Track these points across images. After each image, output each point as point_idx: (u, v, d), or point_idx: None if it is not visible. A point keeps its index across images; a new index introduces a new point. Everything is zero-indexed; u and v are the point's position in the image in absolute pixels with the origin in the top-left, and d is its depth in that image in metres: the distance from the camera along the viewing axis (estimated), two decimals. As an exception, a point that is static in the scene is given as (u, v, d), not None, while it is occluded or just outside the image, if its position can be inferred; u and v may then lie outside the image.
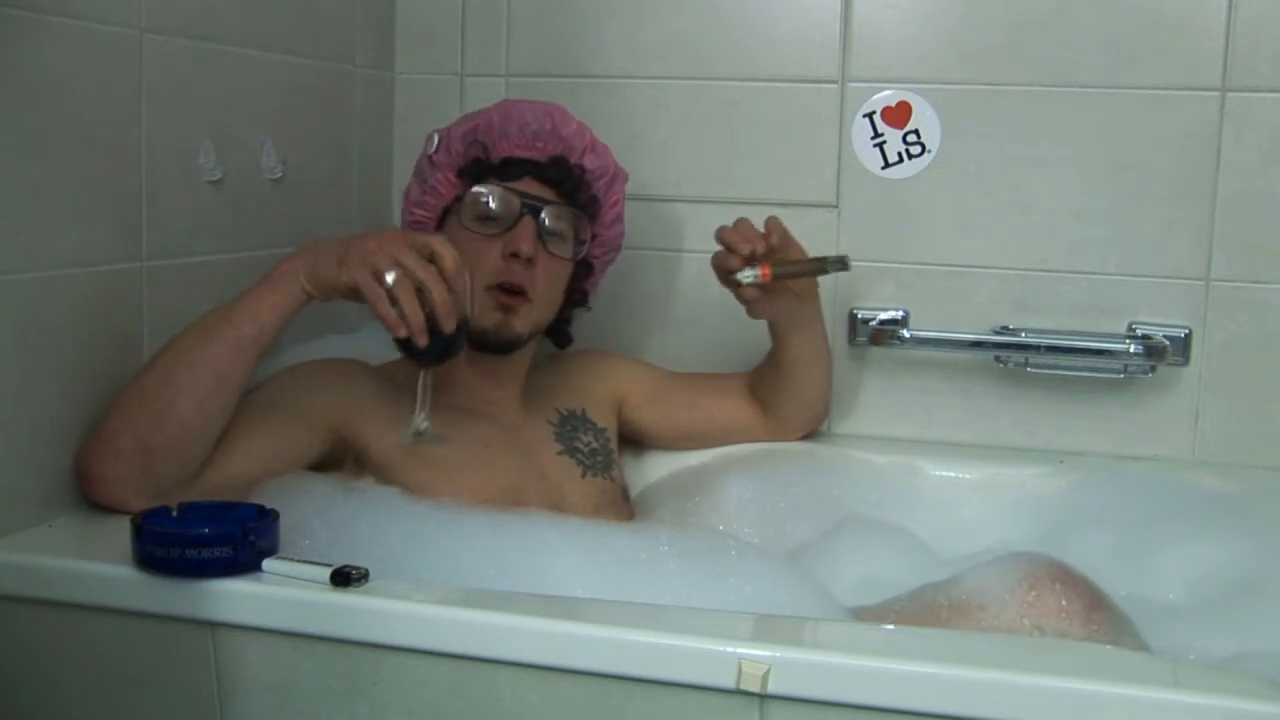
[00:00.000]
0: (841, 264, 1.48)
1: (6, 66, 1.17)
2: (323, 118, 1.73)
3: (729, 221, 1.49)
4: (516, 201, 1.46)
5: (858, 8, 1.76)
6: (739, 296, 1.50)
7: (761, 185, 1.80)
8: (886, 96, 1.76)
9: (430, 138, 1.55)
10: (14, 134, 1.18)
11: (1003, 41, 1.72)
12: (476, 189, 1.48)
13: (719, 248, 1.49)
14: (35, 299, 1.22)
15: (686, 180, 1.83)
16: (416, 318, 1.21)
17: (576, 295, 1.60)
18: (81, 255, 1.28)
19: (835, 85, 1.77)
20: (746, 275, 1.45)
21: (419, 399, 1.27)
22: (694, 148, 1.82)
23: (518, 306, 1.45)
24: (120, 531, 1.14)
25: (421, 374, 1.27)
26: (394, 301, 1.21)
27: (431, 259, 1.24)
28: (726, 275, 1.48)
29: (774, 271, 1.46)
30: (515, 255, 1.43)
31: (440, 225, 1.52)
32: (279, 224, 1.60)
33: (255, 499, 1.23)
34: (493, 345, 1.46)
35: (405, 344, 1.24)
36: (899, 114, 1.75)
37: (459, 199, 1.50)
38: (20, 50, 1.19)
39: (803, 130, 1.78)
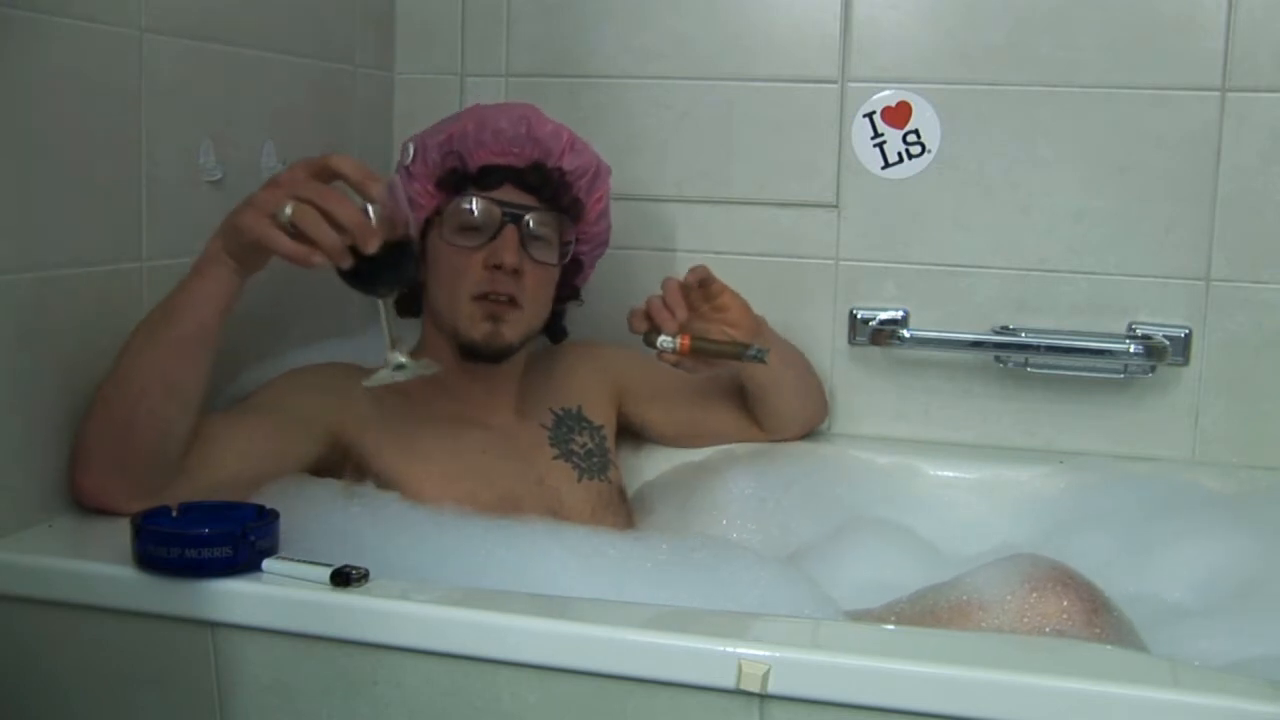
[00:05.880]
0: (760, 357, 1.43)
1: (6, 66, 1.17)
2: (323, 118, 1.73)
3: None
4: (497, 211, 1.44)
5: (858, 8, 1.76)
6: (660, 358, 1.44)
7: (761, 185, 1.80)
8: (886, 96, 1.76)
9: (405, 147, 1.52)
10: (14, 134, 1.18)
11: (1003, 41, 1.72)
12: (456, 200, 1.45)
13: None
14: (35, 299, 1.22)
15: (686, 180, 1.82)
16: (327, 240, 1.11)
17: (567, 291, 1.58)
18: (81, 255, 1.28)
19: (835, 85, 1.77)
20: (665, 341, 1.41)
21: (385, 333, 1.20)
22: (694, 148, 1.82)
23: (506, 314, 1.43)
24: (120, 531, 1.14)
25: (380, 304, 1.20)
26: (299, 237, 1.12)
27: (335, 179, 1.15)
28: (644, 337, 1.43)
29: (693, 345, 1.42)
30: (499, 267, 1.41)
31: (423, 238, 1.48)
32: (279, 224, 1.60)
33: (255, 501, 1.22)
34: (484, 355, 1.45)
35: (343, 274, 1.16)
36: (899, 114, 1.75)
37: (439, 211, 1.47)
38: (20, 50, 1.19)
39: (803, 130, 1.78)
